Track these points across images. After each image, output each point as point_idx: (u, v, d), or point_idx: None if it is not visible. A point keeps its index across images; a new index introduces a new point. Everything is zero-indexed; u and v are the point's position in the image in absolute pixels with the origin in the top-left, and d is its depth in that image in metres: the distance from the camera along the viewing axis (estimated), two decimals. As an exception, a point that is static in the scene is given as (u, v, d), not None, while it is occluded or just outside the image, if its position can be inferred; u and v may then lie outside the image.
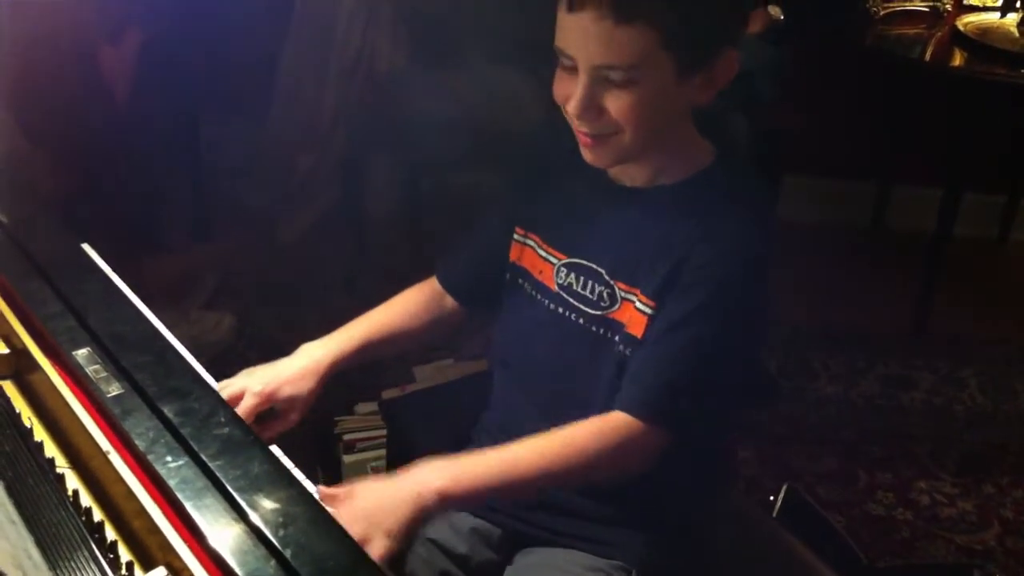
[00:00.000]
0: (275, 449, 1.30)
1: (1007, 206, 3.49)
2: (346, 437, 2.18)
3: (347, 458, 2.14)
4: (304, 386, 1.44)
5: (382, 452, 2.07)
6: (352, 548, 0.99)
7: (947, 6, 3.06)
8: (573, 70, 1.27)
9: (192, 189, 3.18)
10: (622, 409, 1.31)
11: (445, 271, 1.59)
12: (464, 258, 1.58)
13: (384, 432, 2.09)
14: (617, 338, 1.37)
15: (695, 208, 1.32)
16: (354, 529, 1.14)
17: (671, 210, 1.34)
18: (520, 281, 1.49)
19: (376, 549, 1.15)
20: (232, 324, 2.82)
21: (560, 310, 1.42)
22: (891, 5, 3.04)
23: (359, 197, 3.18)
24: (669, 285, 1.31)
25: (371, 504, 1.20)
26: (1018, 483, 2.54)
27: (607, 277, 1.37)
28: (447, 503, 1.23)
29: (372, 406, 2.24)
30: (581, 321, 1.40)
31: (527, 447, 1.31)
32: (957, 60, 2.92)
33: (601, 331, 1.39)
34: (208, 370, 1.35)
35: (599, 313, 1.38)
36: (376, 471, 2.07)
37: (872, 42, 2.98)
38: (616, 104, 1.26)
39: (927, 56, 2.98)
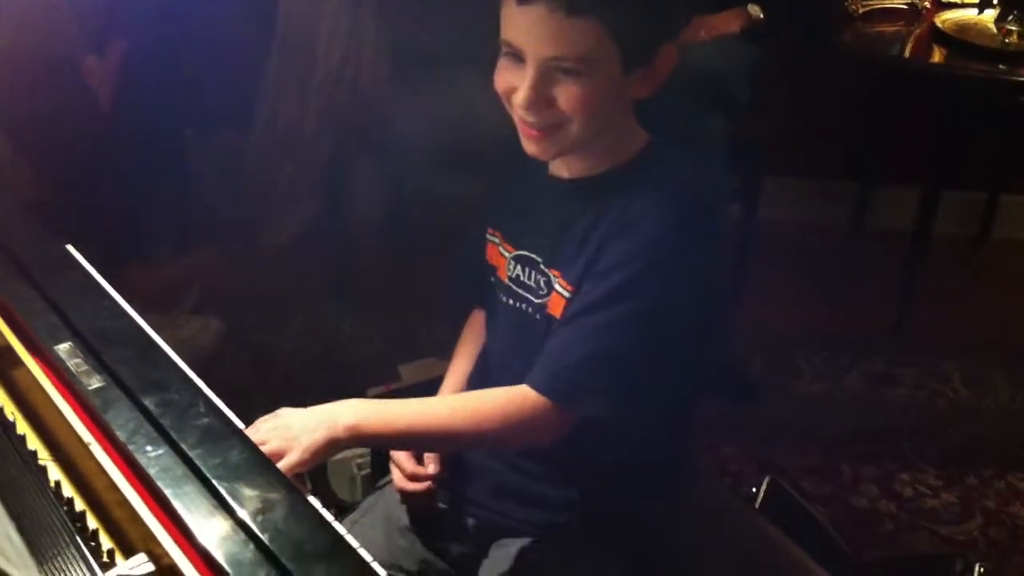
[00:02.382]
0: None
1: (988, 203, 3.52)
2: (332, 436, 2.18)
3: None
4: None
5: (366, 450, 2.08)
6: (330, 532, 1.01)
7: (925, 3, 3.08)
8: (519, 61, 1.30)
9: (177, 197, 3.19)
10: (528, 384, 1.36)
11: (468, 295, 1.66)
12: (471, 274, 1.62)
13: (369, 431, 2.10)
14: (543, 320, 1.42)
15: (618, 195, 1.35)
16: (273, 441, 1.24)
17: (597, 198, 1.37)
18: (491, 278, 1.54)
19: (288, 461, 1.23)
20: (219, 329, 2.83)
21: (512, 301, 1.48)
22: (870, 3, 3.06)
23: (344, 205, 3.19)
24: (586, 270, 1.35)
25: (291, 423, 1.28)
26: (1000, 475, 2.56)
27: (543, 266, 1.42)
28: (355, 438, 1.30)
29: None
30: (529, 310, 1.45)
31: (440, 402, 1.42)
32: (936, 57, 2.94)
33: (538, 317, 1.43)
34: (198, 372, 1.38)
35: (539, 301, 1.43)
36: (361, 468, 2.09)
37: (851, 40, 2.99)
38: (566, 95, 1.29)
39: (906, 53, 2.99)
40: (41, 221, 1.74)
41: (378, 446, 1.52)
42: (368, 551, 1.53)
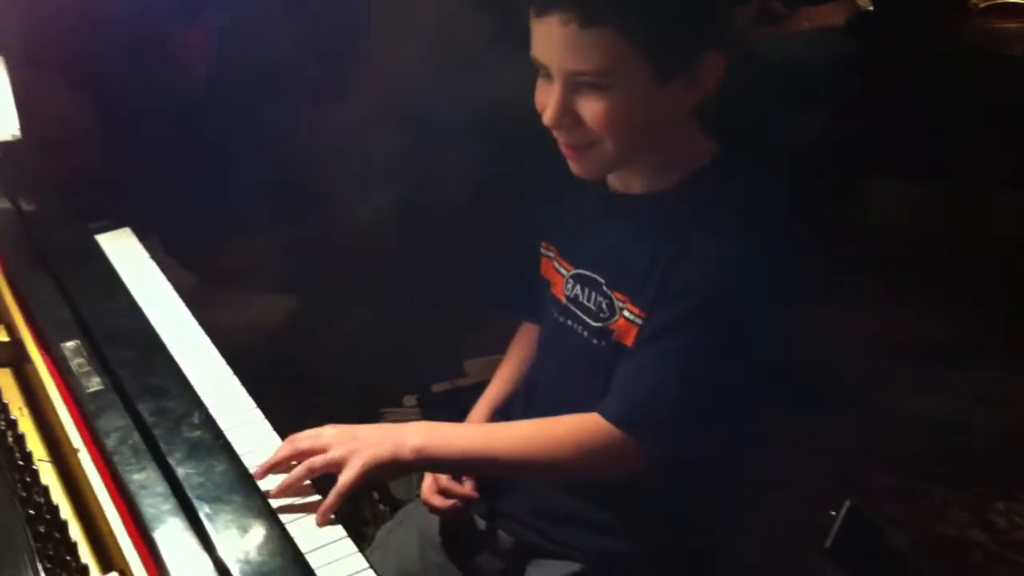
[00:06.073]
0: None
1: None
2: (391, 429, 2.15)
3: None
4: None
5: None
6: (302, 567, 0.95)
7: (1053, -1, 2.90)
8: (550, 78, 1.22)
9: (263, 174, 3.19)
10: (600, 413, 1.28)
11: (519, 305, 1.59)
12: (522, 285, 1.55)
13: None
14: (608, 347, 1.32)
15: (685, 215, 1.26)
16: (336, 448, 1.18)
17: (662, 217, 1.28)
18: (546, 293, 1.46)
19: (349, 471, 1.16)
20: (289, 308, 2.82)
21: (568, 322, 1.39)
22: (992, -2, 2.89)
23: (428, 189, 3.15)
24: (657, 296, 1.26)
25: (357, 435, 1.22)
26: (1104, 508, 2.39)
27: (606, 288, 1.33)
28: (420, 461, 1.23)
29: (418, 399, 2.21)
30: (585, 333, 1.36)
31: (509, 428, 1.33)
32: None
33: (598, 343, 1.33)
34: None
35: (599, 325, 1.33)
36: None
37: (968, 35, 2.83)
38: (591, 112, 1.21)
39: (1029, 52, 2.83)
40: (114, 198, 1.73)
41: (443, 470, 1.45)
42: (401, 564, 1.52)
